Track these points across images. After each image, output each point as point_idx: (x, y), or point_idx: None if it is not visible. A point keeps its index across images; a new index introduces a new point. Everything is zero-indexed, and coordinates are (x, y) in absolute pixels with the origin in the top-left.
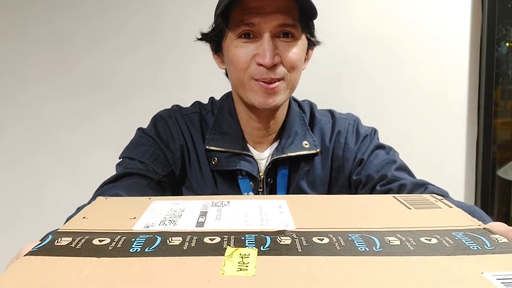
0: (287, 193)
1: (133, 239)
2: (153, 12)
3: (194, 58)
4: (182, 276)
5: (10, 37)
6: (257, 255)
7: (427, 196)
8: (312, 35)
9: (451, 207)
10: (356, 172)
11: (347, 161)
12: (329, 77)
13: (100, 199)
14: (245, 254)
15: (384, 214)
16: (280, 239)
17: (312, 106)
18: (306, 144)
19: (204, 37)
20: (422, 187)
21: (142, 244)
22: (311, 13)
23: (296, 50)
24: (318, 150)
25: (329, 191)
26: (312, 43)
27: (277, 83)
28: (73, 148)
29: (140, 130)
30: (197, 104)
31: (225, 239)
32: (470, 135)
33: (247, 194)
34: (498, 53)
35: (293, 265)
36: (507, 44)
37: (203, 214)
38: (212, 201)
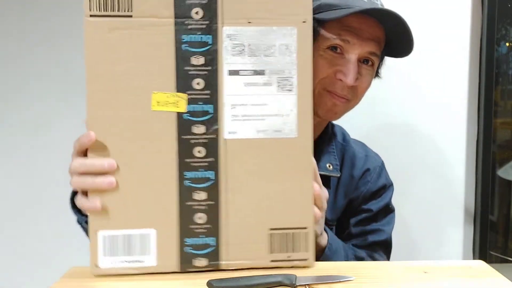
0: None
1: None
2: None
3: None
4: None
5: (9, 37)
6: None
7: None
8: (380, 67)
9: None
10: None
11: (363, 197)
12: None
13: None
14: None
15: None
16: None
17: (343, 132)
18: (329, 166)
19: None
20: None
21: None
22: (404, 50)
23: (369, 79)
24: (338, 175)
25: (340, 218)
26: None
27: (344, 100)
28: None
29: None
30: None
31: None
32: (470, 135)
33: None
34: (498, 53)
35: None
36: (507, 44)
37: None
38: None
